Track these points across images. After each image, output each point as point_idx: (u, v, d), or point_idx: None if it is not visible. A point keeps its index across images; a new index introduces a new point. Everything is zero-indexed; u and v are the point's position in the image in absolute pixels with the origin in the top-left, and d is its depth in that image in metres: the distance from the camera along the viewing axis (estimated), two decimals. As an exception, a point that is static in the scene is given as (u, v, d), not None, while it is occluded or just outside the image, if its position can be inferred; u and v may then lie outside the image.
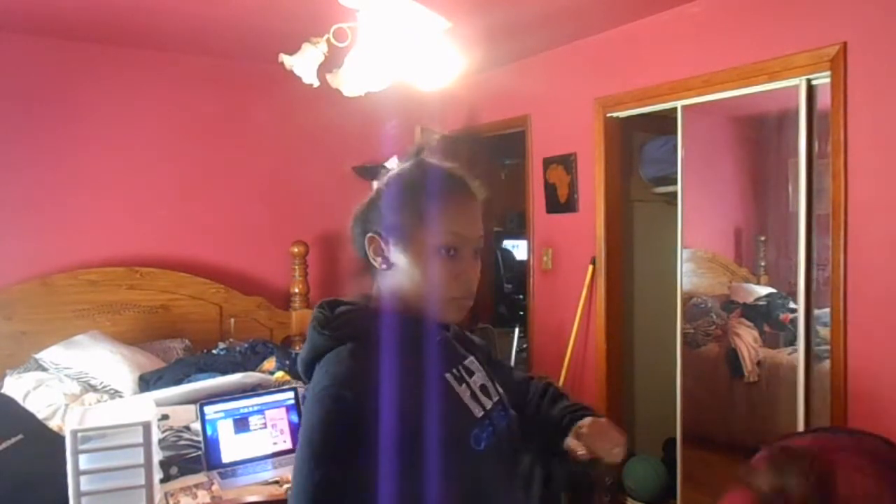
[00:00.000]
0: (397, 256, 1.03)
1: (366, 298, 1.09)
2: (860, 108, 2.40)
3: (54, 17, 3.11)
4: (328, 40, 2.44)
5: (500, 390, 1.13)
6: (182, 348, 3.47)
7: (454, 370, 1.07)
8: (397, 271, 1.04)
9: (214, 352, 3.29)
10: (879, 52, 2.35)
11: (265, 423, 2.29)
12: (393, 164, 1.10)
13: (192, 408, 2.31)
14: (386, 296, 1.06)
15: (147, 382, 2.93)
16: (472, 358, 1.13)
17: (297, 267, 3.88)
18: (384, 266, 1.05)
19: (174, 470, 2.09)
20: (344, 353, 0.99)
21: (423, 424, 0.94)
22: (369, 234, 1.05)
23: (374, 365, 0.95)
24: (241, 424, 2.25)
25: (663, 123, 3.43)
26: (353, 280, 1.11)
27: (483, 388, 1.09)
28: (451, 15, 2.34)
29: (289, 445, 2.28)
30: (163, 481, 2.00)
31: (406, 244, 1.03)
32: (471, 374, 1.09)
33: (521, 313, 4.25)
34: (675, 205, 3.15)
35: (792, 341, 2.97)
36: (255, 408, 2.30)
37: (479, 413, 1.04)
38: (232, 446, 2.20)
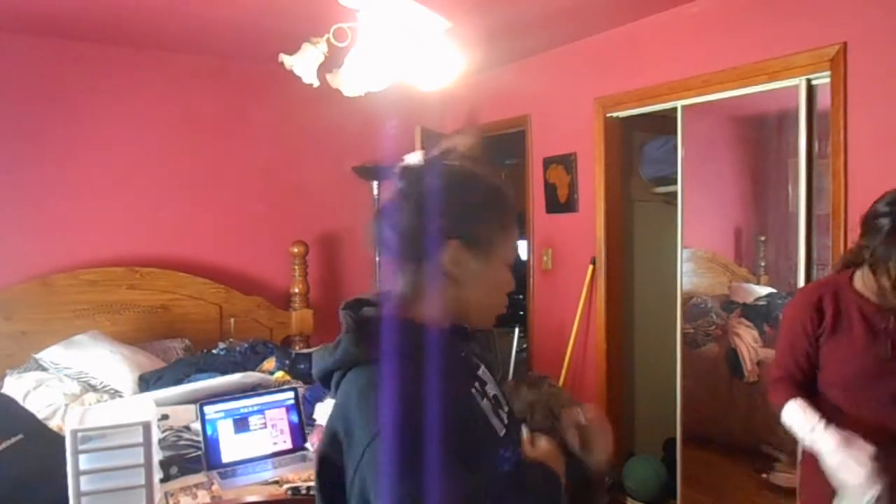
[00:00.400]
0: (472, 265, 0.98)
1: (388, 297, 1.03)
2: (860, 108, 2.40)
3: (54, 17, 3.11)
4: (328, 40, 2.44)
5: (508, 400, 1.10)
6: (182, 348, 3.47)
7: (476, 384, 1.02)
8: (464, 280, 0.99)
9: (214, 352, 3.28)
10: (879, 52, 2.35)
11: (265, 423, 2.29)
12: (415, 159, 1.02)
13: (192, 408, 2.31)
14: (429, 302, 0.99)
15: (147, 382, 2.93)
16: (483, 367, 1.08)
17: (297, 267, 3.88)
18: (458, 273, 0.98)
19: (174, 470, 2.09)
20: (399, 376, 0.90)
21: (467, 447, 0.90)
22: (451, 239, 0.96)
23: (434, 385, 0.89)
24: (241, 424, 2.25)
25: (663, 123, 3.43)
26: (389, 280, 1.03)
27: (496, 398, 1.04)
28: (451, 15, 2.34)
29: (288, 445, 2.28)
30: (163, 481, 2.00)
31: (487, 255, 0.99)
32: (484, 384, 1.04)
33: (521, 313, 4.24)
34: (675, 205, 3.15)
35: (792, 341, 2.96)
36: (255, 408, 2.30)
37: (501, 431, 0.99)
38: (232, 446, 2.20)
